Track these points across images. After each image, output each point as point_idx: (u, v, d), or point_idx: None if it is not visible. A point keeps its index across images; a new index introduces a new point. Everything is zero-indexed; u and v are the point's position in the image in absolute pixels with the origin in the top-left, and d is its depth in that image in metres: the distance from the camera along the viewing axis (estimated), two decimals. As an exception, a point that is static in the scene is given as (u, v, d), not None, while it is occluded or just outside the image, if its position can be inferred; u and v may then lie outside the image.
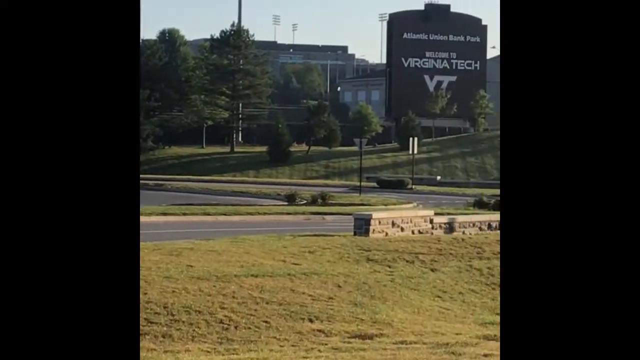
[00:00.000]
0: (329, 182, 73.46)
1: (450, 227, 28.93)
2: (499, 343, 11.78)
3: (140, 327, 12.73)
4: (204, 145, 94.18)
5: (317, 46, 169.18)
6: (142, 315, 13.45)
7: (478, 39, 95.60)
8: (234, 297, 15.30)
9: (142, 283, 14.86)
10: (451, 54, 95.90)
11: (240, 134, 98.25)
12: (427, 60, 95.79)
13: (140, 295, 13.66)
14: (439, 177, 75.46)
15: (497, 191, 59.88)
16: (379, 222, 26.39)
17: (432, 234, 27.36)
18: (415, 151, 67.70)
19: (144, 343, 12.35)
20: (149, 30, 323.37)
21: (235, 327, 13.81)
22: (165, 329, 13.50)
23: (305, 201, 47.85)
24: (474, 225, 29.76)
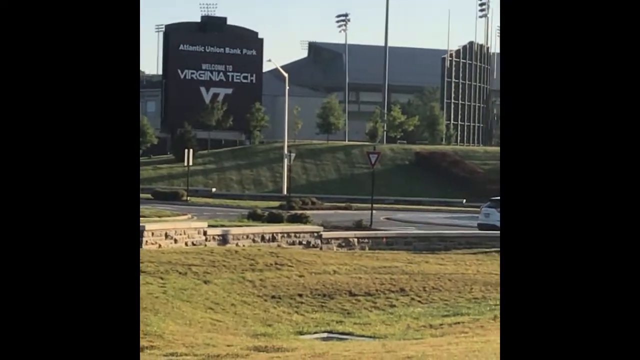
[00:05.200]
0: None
1: (224, 239, 29.00)
2: (269, 354, 11.84)
3: None
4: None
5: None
6: None
7: (254, 52, 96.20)
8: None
9: None
10: (227, 66, 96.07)
11: None
12: (203, 72, 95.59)
13: None
14: (214, 189, 75.43)
15: (271, 203, 60.36)
16: (152, 234, 26.15)
17: (205, 245, 27.35)
18: (191, 163, 67.46)
19: None
20: None
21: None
22: None
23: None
24: (247, 237, 29.94)
